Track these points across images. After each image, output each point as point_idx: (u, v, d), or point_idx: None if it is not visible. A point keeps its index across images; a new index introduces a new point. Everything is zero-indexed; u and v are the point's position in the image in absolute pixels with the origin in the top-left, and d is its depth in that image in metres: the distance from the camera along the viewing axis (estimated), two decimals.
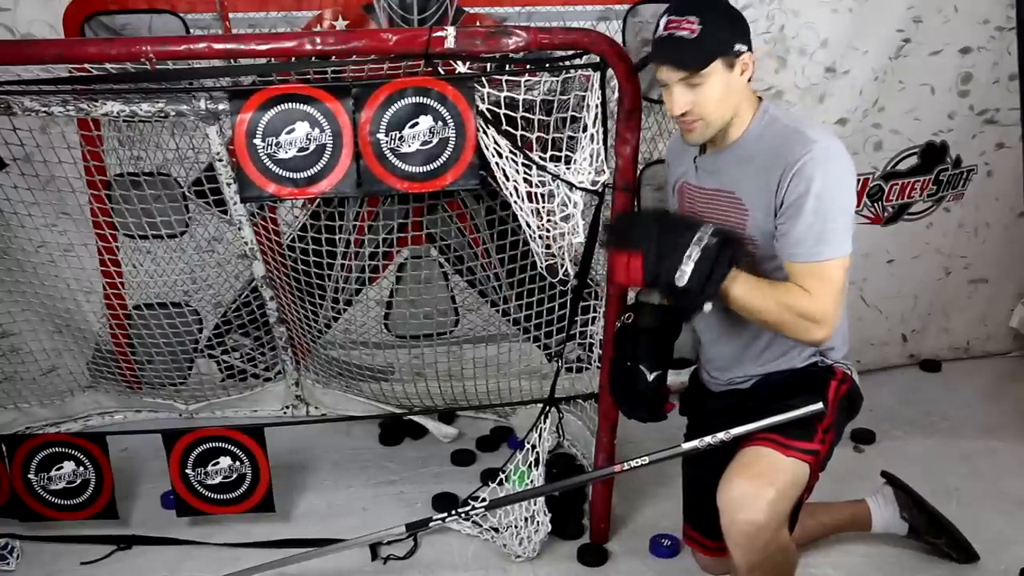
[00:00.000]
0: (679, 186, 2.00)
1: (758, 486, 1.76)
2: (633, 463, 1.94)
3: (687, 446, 1.90)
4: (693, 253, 1.68)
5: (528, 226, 2.13)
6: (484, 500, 2.13)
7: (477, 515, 2.34)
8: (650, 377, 1.91)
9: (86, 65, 2.04)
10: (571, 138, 2.09)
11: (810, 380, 1.91)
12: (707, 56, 1.73)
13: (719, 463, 1.86)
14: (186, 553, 2.41)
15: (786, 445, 1.80)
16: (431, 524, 2.13)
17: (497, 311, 2.95)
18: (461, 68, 1.98)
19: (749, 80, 1.80)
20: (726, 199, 1.86)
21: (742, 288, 1.73)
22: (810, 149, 1.71)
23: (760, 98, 1.85)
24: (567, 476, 2.47)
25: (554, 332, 2.74)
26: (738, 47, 1.74)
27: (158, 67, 1.95)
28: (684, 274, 1.69)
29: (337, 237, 2.79)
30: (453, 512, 2.13)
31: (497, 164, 2.06)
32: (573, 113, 2.08)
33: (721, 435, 1.84)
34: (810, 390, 1.87)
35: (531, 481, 2.41)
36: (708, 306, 1.72)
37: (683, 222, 1.76)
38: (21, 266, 2.67)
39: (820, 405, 1.80)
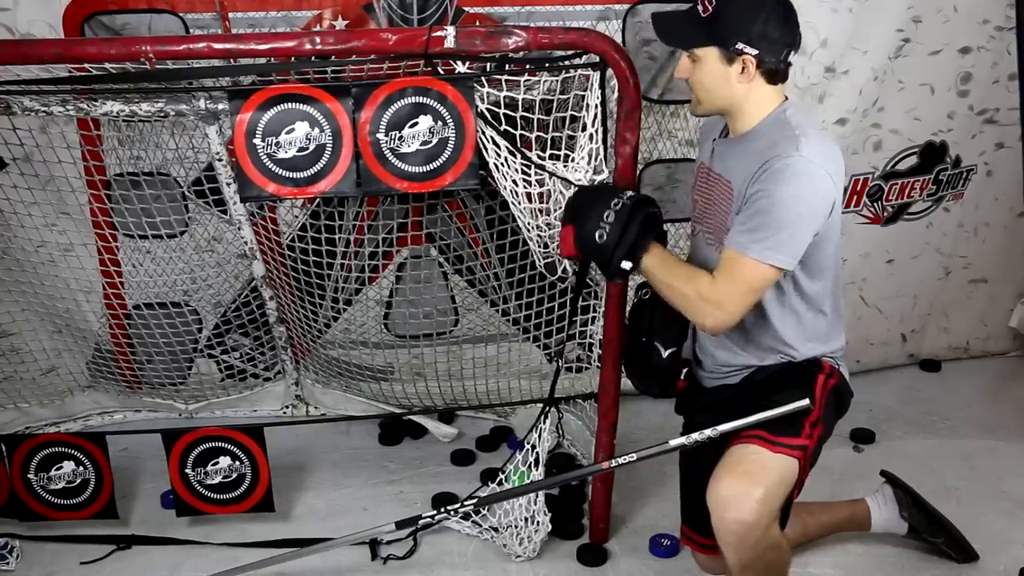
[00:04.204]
0: (698, 164, 2.02)
1: (746, 484, 1.76)
2: (621, 460, 1.95)
3: (674, 443, 1.91)
4: (608, 216, 1.80)
5: (527, 228, 2.13)
6: (475, 499, 2.14)
7: (471, 513, 2.36)
8: (664, 353, 1.95)
9: (86, 65, 2.04)
10: (571, 138, 2.10)
11: (797, 375, 1.91)
12: (696, 39, 1.78)
13: (712, 462, 1.86)
14: (186, 553, 2.41)
15: (773, 442, 1.81)
16: (420, 522, 2.13)
17: (497, 311, 2.95)
18: (461, 68, 1.98)
19: (777, 79, 1.81)
20: (723, 185, 1.87)
21: (654, 260, 1.82)
22: (791, 156, 1.71)
23: (787, 97, 1.84)
24: None
25: (554, 332, 2.74)
26: (740, 45, 1.74)
27: (158, 67, 1.95)
28: (604, 232, 1.78)
29: (337, 237, 2.79)
30: (443, 510, 2.13)
31: (496, 164, 2.06)
32: (573, 113, 2.08)
33: (708, 432, 1.85)
34: (797, 385, 1.87)
35: (531, 481, 2.41)
36: (627, 264, 1.81)
37: (603, 191, 1.89)
38: (21, 266, 2.67)
39: (807, 401, 1.81)
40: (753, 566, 1.82)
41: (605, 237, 1.79)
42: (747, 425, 1.83)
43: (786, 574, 1.93)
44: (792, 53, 1.79)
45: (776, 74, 1.80)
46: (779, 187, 1.71)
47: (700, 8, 1.77)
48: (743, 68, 1.76)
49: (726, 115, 1.86)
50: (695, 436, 1.87)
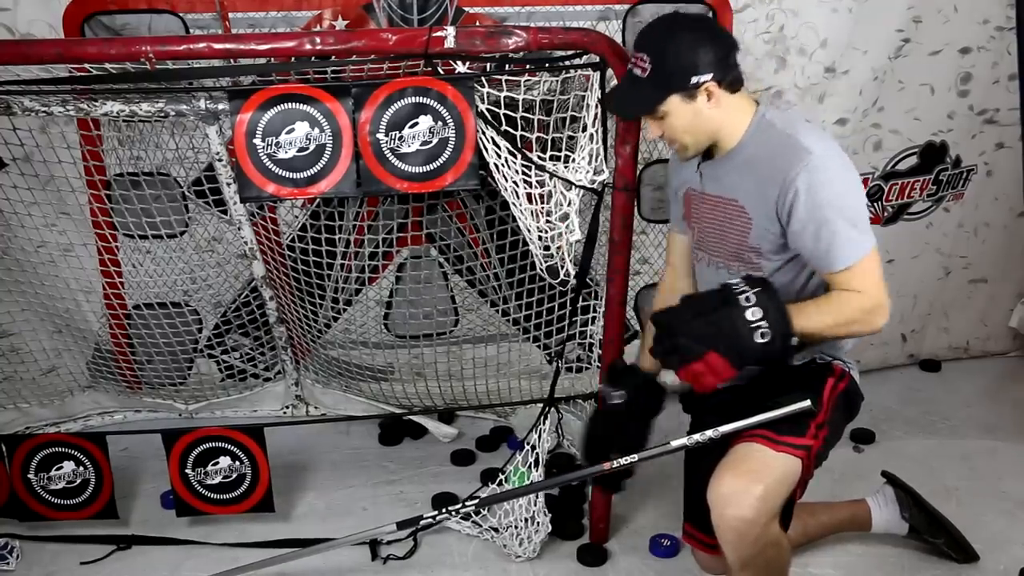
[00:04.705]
0: (684, 193, 2.01)
1: (746, 482, 1.77)
2: (622, 461, 1.94)
3: (676, 443, 1.90)
4: (754, 314, 1.69)
5: (528, 228, 2.13)
6: (476, 499, 2.14)
7: (471, 513, 2.36)
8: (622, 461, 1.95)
9: (86, 65, 2.04)
10: (571, 138, 2.10)
11: (807, 377, 1.91)
12: (656, 98, 1.77)
13: (718, 460, 1.86)
14: (186, 553, 2.41)
15: (776, 441, 1.81)
16: (421, 522, 2.13)
17: (497, 311, 2.95)
18: (461, 68, 1.98)
19: (738, 86, 1.81)
20: (730, 207, 1.86)
21: (803, 319, 1.74)
22: (807, 161, 1.72)
23: (757, 102, 1.85)
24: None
25: (554, 332, 2.74)
26: (696, 79, 1.74)
27: (158, 67, 1.95)
28: (765, 330, 1.69)
29: (337, 237, 2.79)
30: (444, 510, 2.13)
31: (497, 164, 2.06)
32: (573, 113, 2.08)
33: (710, 433, 1.85)
34: (805, 387, 1.87)
35: (531, 481, 2.41)
36: (795, 339, 1.72)
37: (713, 300, 1.75)
38: (21, 266, 2.67)
39: (807, 402, 1.81)
40: (753, 563, 1.82)
41: (769, 333, 1.68)
42: (748, 426, 1.82)
43: (786, 573, 1.93)
44: (737, 54, 1.80)
45: (736, 82, 1.80)
46: (821, 194, 1.72)
47: (638, 71, 1.77)
48: (708, 96, 1.77)
49: (712, 143, 1.86)
50: (696, 437, 1.87)
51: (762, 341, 1.68)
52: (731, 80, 1.78)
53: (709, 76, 1.74)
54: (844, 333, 1.82)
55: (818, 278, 1.86)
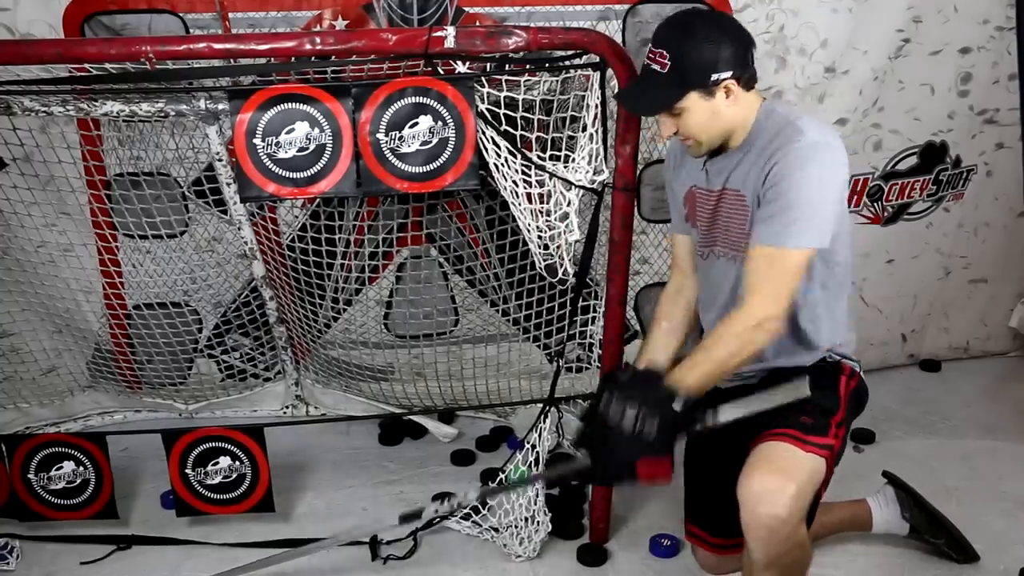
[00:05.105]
0: (687, 192, 1.99)
1: (779, 480, 1.75)
2: None
3: None
4: (623, 408, 1.68)
5: (528, 228, 2.13)
6: (474, 495, 2.10)
7: (471, 513, 2.36)
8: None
9: (86, 65, 2.04)
10: (571, 138, 2.10)
11: (821, 375, 1.90)
12: (677, 94, 1.75)
13: (724, 459, 1.86)
14: (186, 553, 2.41)
15: (804, 440, 1.80)
16: (423, 515, 2.11)
17: (497, 311, 2.95)
18: (461, 68, 1.98)
19: (754, 83, 1.80)
20: (731, 196, 1.86)
21: (694, 375, 1.74)
22: (798, 141, 1.71)
23: (764, 98, 1.85)
24: None
25: (554, 332, 2.74)
26: (716, 76, 1.73)
27: (158, 67, 1.95)
28: (640, 416, 1.68)
29: (337, 237, 2.79)
30: (444, 501, 2.10)
31: (497, 164, 2.06)
32: (573, 113, 2.08)
33: (708, 421, 1.79)
34: (822, 386, 1.86)
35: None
36: (676, 390, 1.71)
37: (601, 426, 1.73)
38: (21, 266, 2.67)
39: (806, 391, 1.77)
40: (779, 562, 1.80)
41: (643, 410, 1.68)
42: (748, 416, 1.78)
43: (806, 575, 1.92)
44: (754, 50, 1.79)
45: (752, 79, 1.80)
46: (797, 171, 1.70)
47: (657, 67, 1.75)
48: (727, 93, 1.76)
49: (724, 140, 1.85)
50: (697, 428, 1.84)
51: (640, 424, 1.67)
52: (748, 77, 1.78)
53: (729, 73, 1.73)
54: (746, 357, 1.77)
55: (817, 288, 1.86)
